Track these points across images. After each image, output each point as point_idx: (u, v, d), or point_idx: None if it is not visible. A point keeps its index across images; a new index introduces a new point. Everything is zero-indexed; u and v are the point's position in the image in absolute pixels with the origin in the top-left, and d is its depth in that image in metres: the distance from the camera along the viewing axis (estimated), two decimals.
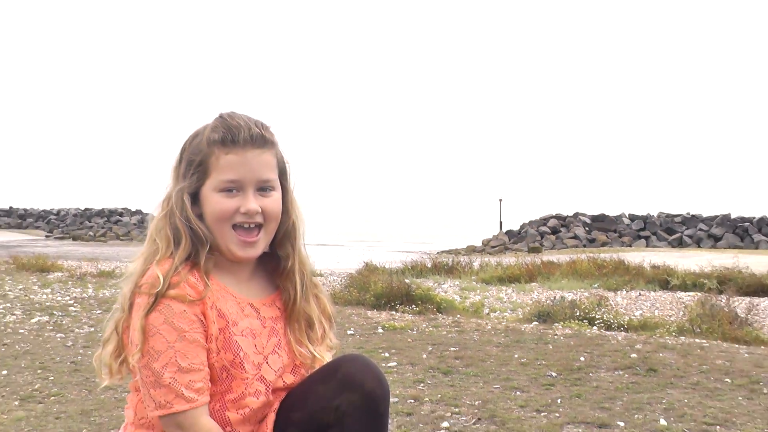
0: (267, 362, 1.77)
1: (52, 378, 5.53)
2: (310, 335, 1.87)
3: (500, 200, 44.43)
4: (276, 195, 1.79)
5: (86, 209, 52.73)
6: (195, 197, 1.77)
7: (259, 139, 1.75)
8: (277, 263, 1.88)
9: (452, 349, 6.58)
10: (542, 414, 4.58)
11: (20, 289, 10.61)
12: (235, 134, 1.73)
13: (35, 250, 24.60)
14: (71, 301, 9.48)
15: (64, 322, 8.00)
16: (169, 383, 1.64)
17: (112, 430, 4.21)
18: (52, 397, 5.02)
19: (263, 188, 1.76)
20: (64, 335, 7.29)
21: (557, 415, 4.55)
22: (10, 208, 54.79)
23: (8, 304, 9.12)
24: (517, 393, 5.09)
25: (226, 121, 1.76)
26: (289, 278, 1.85)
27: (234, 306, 1.76)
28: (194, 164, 1.75)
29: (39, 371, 5.74)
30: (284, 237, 1.84)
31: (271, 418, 1.77)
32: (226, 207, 1.73)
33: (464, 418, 4.51)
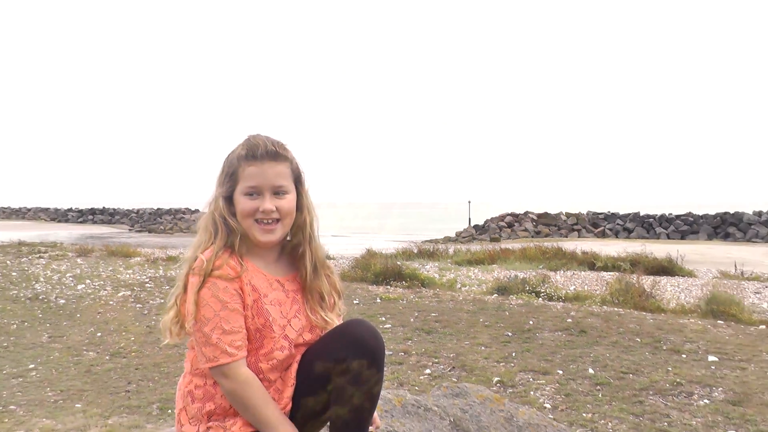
0: (290, 324, 1.77)
1: (133, 338, 5.51)
2: (323, 304, 1.86)
3: (469, 202, 44.55)
4: (289, 197, 1.79)
5: (158, 209, 52.70)
6: (231, 199, 1.78)
7: (273, 154, 1.76)
8: (295, 250, 1.86)
9: (433, 314, 6.56)
10: (501, 364, 4.56)
11: (110, 270, 10.57)
12: (255, 151, 1.75)
13: (121, 240, 24.60)
14: (147, 280, 9.44)
15: (141, 295, 7.97)
16: (216, 342, 1.64)
17: (176, 377, 4.18)
18: (133, 353, 5.00)
19: (278, 192, 1.76)
20: (141, 305, 7.26)
21: (512, 364, 4.53)
22: (103, 207, 54.98)
23: (101, 282, 9.09)
24: (482, 348, 5.07)
25: (249, 141, 1.79)
26: (302, 261, 1.85)
27: (264, 282, 1.76)
28: (228, 174, 1.78)
29: (123, 333, 5.72)
30: (298, 229, 1.84)
31: (294, 367, 1.77)
32: (248, 207, 1.74)
33: (442, 367, 4.49)
